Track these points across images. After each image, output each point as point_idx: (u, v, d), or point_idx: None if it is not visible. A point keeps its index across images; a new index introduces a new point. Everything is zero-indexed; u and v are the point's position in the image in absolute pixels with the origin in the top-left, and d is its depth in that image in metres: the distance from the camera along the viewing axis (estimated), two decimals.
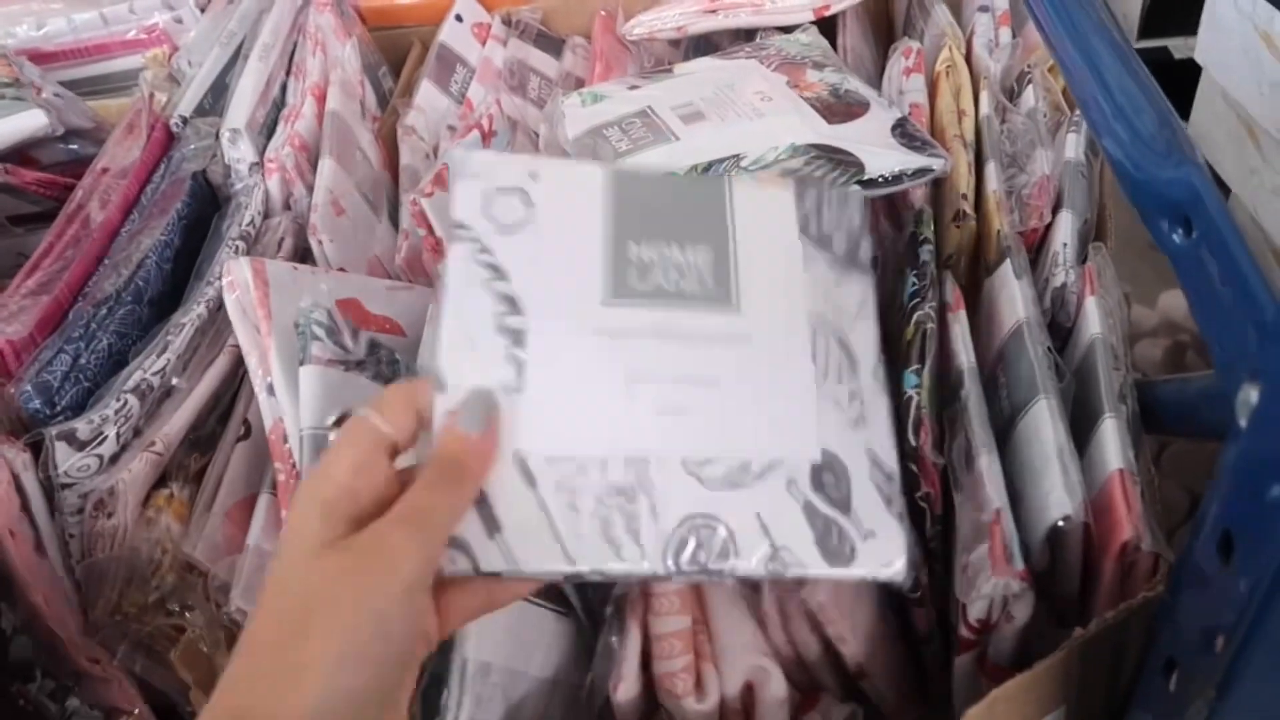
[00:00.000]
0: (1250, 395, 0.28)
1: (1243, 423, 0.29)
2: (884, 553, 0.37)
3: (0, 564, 0.42)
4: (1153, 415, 0.47)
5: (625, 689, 0.39)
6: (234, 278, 0.46)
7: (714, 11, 0.69)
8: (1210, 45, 0.67)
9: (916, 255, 0.50)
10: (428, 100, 0.74)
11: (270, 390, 0.45)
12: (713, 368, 0.39)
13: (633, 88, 0.62)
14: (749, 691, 0.42)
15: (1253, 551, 0.27)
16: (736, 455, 0.38)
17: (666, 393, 0.38)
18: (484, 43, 0.82)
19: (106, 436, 0.44)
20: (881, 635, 0.45)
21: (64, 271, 0.49)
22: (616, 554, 0.36)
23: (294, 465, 0.44)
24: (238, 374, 0.51)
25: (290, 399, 0.45)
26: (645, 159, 0.54)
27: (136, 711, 0.43)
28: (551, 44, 0.85)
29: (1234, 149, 0.67)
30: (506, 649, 0.40)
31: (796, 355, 0.40)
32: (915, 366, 0.44)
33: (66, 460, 0.43)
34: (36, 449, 0.44)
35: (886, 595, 0.46)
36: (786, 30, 0.70)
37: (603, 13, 0.80)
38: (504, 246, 0.39)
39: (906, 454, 0.42)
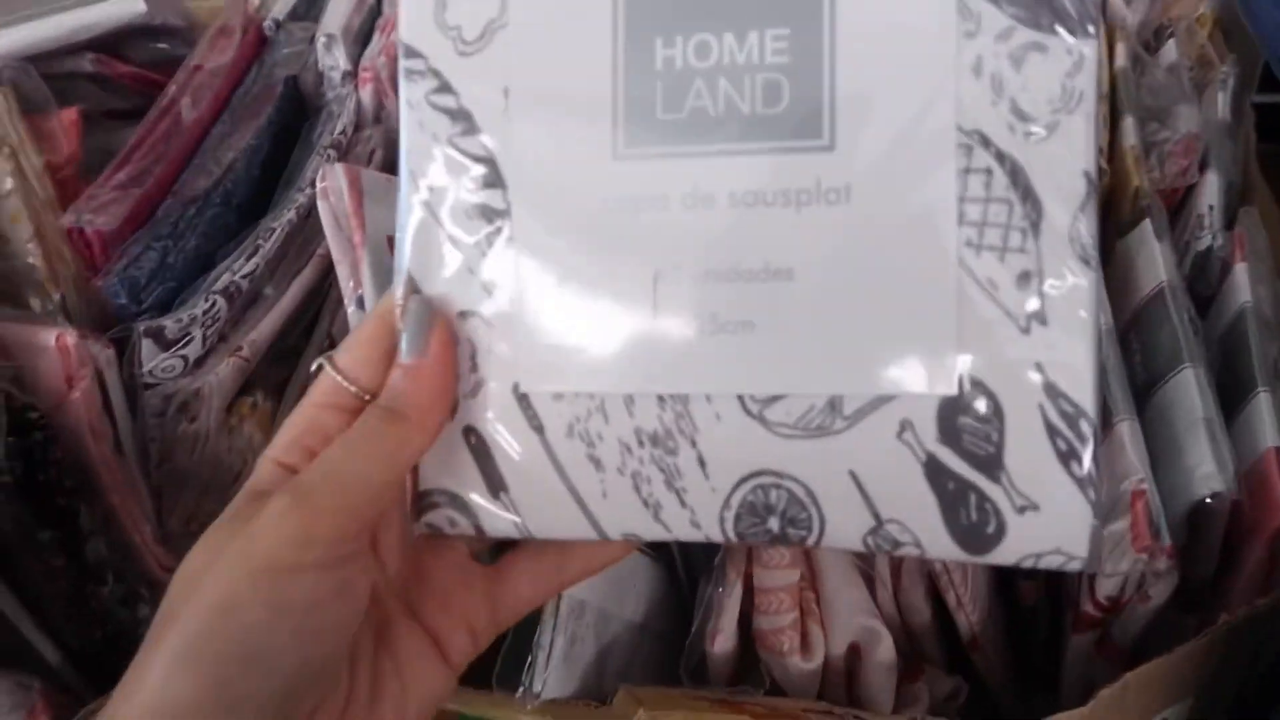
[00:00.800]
0: None
1: None
2: (1050, 535, 0.26)
3: (80, 462, 0.40)
4: None
5: (723, 641, 0.37)
6: (329, 184, 0.44)
7: None
8: None
9: None
10: None
11: (360, 303, 0.43)
12: (787, 249, 0.26)
13: None
14: (854, 654, 0.39)
15: None
16: (820, 387, 0.26)
17: (715, 294, 0.26)
18: None
19: (193, 338, 0.42)
20: (995, 603, 0.43)
21: (155, 166, 0.47)
22: (655, 517, 0.28)
23: None
24: (324, 285, 0.49)
25: None
26: None
27: None
28: None
29: None
30: (601, 589, 0.38)
31: (929, 210, 0.25)
32: None
33: (152, 359, 0.41)
34: (120, 347, 0.43)
35: None
36: None
37: None
38: (468, 75, 0.28)
39: None
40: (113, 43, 0.57)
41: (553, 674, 0.35)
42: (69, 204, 0.46)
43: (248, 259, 0.45)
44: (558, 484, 0.28)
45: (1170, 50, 0.59)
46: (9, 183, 0.43)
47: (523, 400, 0.28)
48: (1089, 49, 0.25)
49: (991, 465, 0.26)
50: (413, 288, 0.29)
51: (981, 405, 0.26)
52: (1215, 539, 0.39)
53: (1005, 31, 0.25)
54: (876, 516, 0.27)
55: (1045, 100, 0.25)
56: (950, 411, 0.26)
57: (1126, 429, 0.39)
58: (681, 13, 0.26)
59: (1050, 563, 0.26)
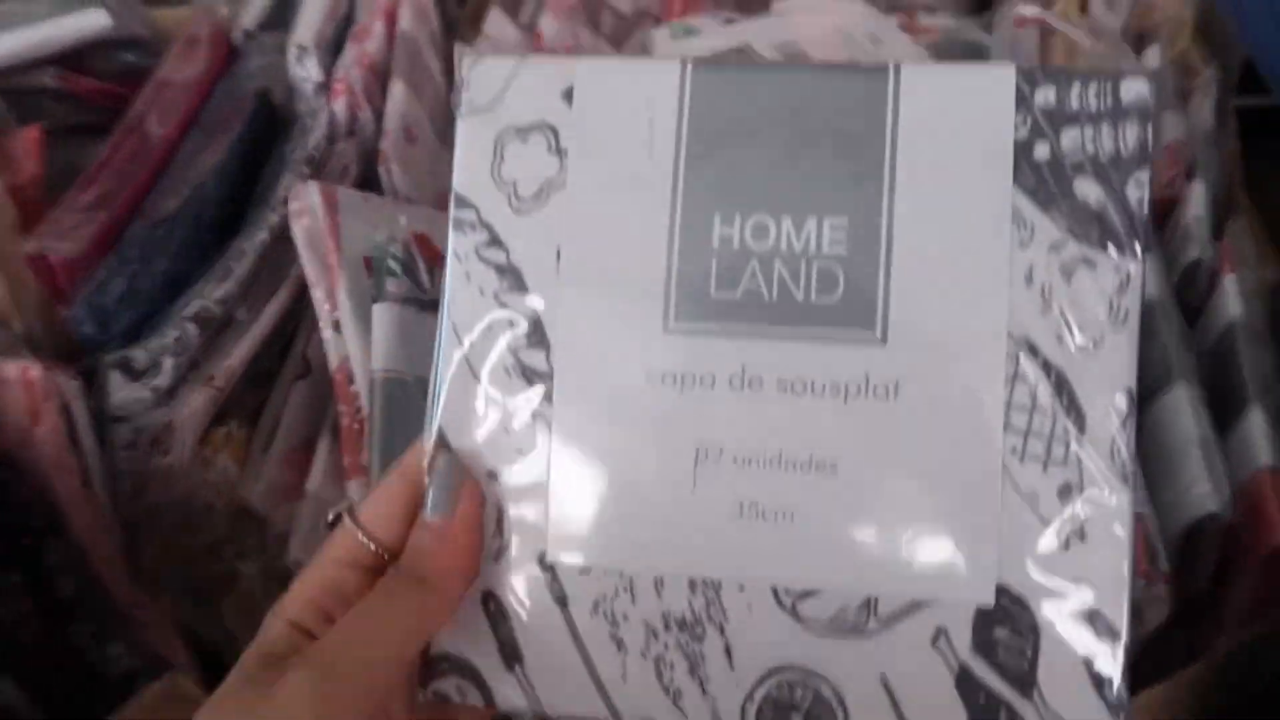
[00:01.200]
0: None
1: None
2: None
3: (47, 498, 0.39)
4: None
5: None
6: (302, 203, 0.43)
7: None
8: None
9: None
10: (497, 29, 0.69)
11: (337, 327, 0.41)
12: (832, 441, 0.26)
13: (729, 22, 0.57)
14: None
15: None
16: (857, 586, 0.26)
17: (757, 480, 0.26)
18: None
19: (164, 367, 0.41)
20: None
21: (121, 187, 0.46)
22: (674, 703, 0.27)
23: (358, 409, 0.41)
24: (299, 307, 0.48)
25: (359, 337, 0.41)
26: None
27: (180, 662, 0.41)
28: None
29: None
30: None
31: (977, 414, 0.26)
32: None
33: (120, 391, 0.40)
34: (88, 378, 0.41)
35: None
36: None
37: None
38: (521, 232, 0.28)
39: None
40: (75, 55, 0.55)
41: None
42: (33, 226, 0.44)
43: (219, 283, 0.43)
44: (576, 661, 0.28)
45: (1152, 56, 0.59)
46: None
47: (548, 571, 0.28)
48: (1135, 268, 0.26)
49: (1024, 681, 0.26)
50: (443, 442, 0.28)
51: (1018, 618, 0.26)
52: (1210, 557, 0.39)
53: (1057, 244, 0.26)
54: None
55: (1092, 315, 0.26)
56: (986, 622, 0.26)
57: None
58: (740, 192, 0.27)
59: None
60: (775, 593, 0.27)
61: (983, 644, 0.26)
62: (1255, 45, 0.43)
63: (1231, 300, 0.45)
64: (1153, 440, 0.41)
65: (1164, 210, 0.51)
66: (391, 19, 0.60)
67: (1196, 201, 0.49)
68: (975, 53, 0.53)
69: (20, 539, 0.38)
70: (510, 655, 0.28)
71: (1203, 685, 0.36)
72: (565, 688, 0.28)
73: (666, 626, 0.27)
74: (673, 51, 0.55)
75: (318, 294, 0.43)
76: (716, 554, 0.27)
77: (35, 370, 0.38)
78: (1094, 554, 0.26)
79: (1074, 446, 0.26)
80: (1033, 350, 0.26)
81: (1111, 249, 0.26)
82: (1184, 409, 0.40)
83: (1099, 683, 0.26)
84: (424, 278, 0.44)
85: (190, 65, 0.53)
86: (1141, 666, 0.36)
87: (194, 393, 0.41)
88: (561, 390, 0.27)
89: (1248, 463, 0.39)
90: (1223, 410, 0.42)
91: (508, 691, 0.28)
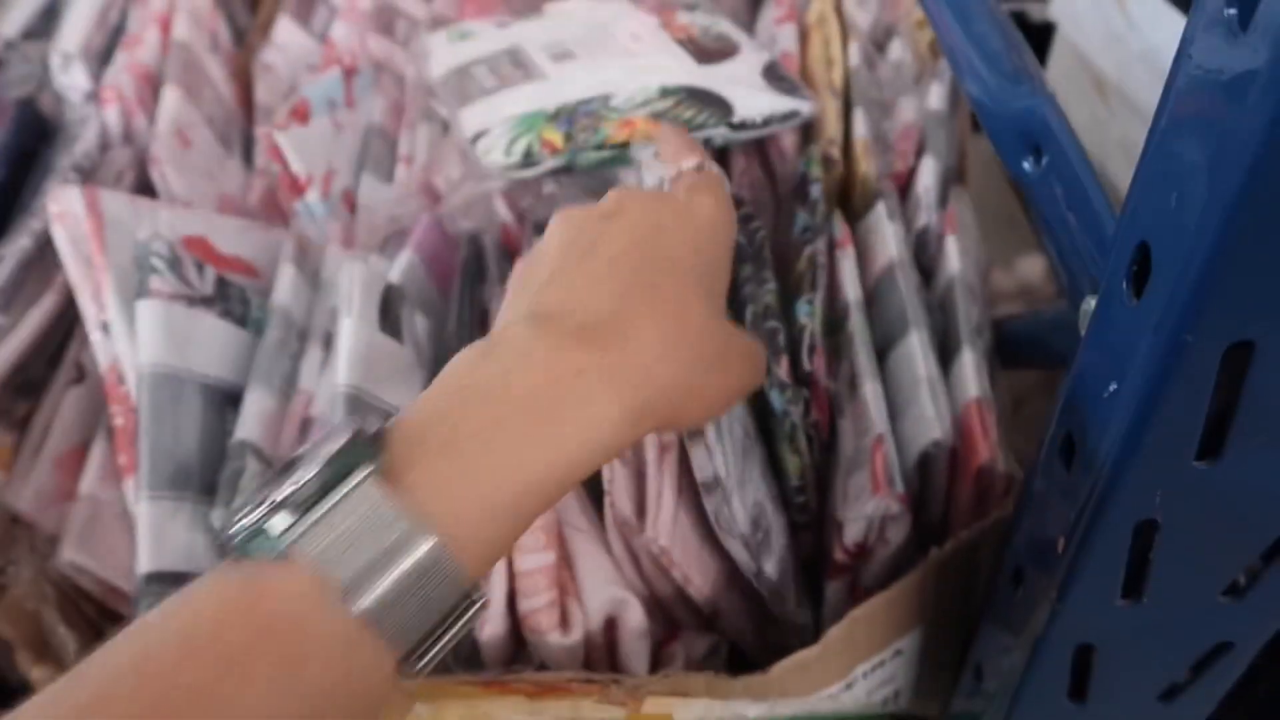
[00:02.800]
0: (1090, 305, 0.29)
1: (1083, 332, 0.30)
2: None
3: None
4: (1008, 349, 0.49)
5: (491, 629, 0.38)
6: (63, 208, 0.42)
7: None
8: (1064, 2, 0.70)
9: (806, 194, 0.50)
10: (287, 37, 0.70)
11: (105, 329, 0.41)
12: None
13: (501, 25, 0.60)
14: (610, 626, 0.41)
15: (1091, 450, 0.28)
16: None
17: None
18: None
19: None
20: (730, 574, 0.46)
21: None
22: None
23: (132, 408, 0.41)
24: (69, 314, 0.47)
25: (128, 338, 0.41)
26: (513, 97, 0.52)
27: None
28: None
29: (1084, 103, 0.70)
30: None
31: None
32: (808, 296, 0.45)
33: None
34: None
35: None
36: None
37: None
38: None
39: (800, 379, 0.43)
40: None
41: None
42: None
43: None
44: None
45: (896, 48, 0.65)
46: None
47: None
48: None
49: None
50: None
51: None
52: (940, 484, 0.44)
53: None
54: None
55: None
56: None
57: (869, 390, 0.43)
58: None
59: None
60: None
61: None
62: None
63: (953, 258, 0.50)
64: (893, 380, 0.46)
65: (902, 183, 0.57)
66: (166, 27, 0.60)
67: (927, 174, 0.55)
68: (729, 46, 0.57)
69: None
70: None
71: (919, 590, 0.40)
72: None
73: None
74: (449, 55, 0.57)
75: (83, 297, 0.43)
76: None
77: None
78: None
79: None
80: None
81: None
82: (915, 353, 0.45)
83: None
84: (193, 275, 0.44)
85: None
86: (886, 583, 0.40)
87: None
88: None
89: (961, 396, 0.44)
90: (945, 353, 0.47)
91: None
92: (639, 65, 0.54)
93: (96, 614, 0.42)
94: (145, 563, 0.37)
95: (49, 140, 0.55)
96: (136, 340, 0.40)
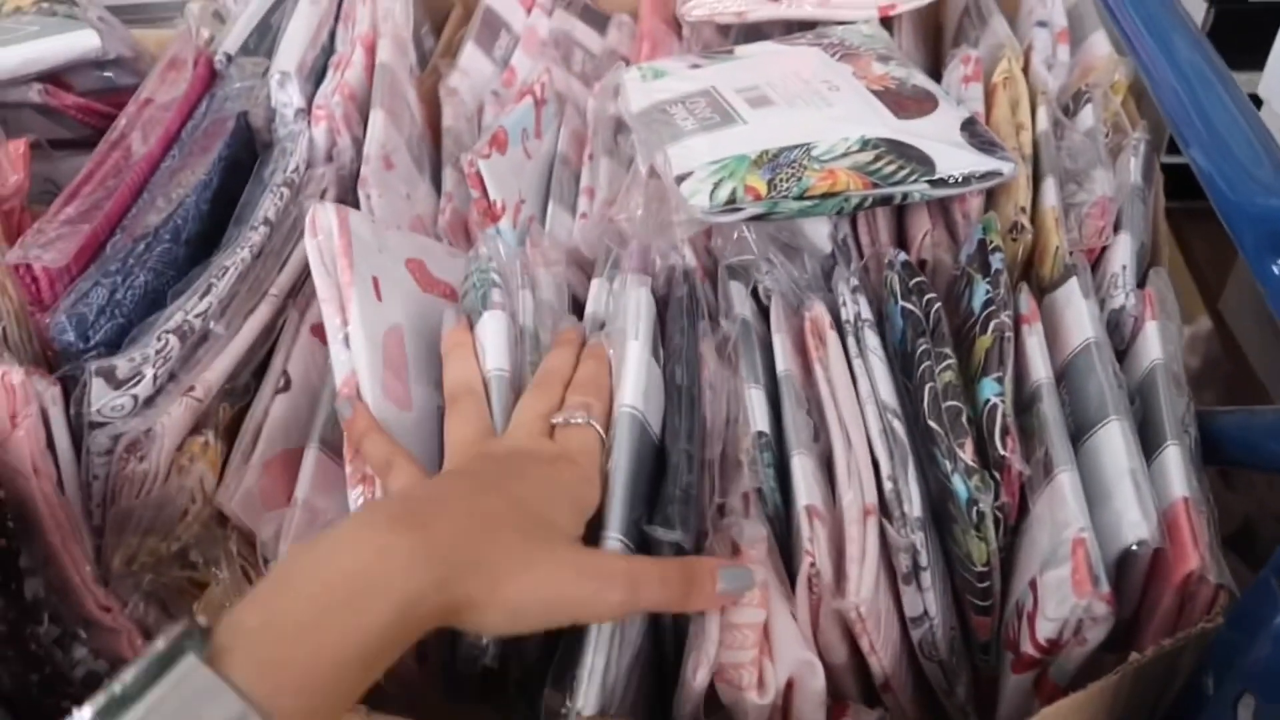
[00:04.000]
0: None
1: None
2: None
3: (21, 500, 0.40)
4: (1214, 446, 0.46)
5: (703, 675, 0.38)
6: (318, 223, 0.44)
7: (777, 0, 0.68)
8: (1275, 79, 0.67)
9: (988, 263, 0.49)
10: (472, 63, 0.72)
11: (346, 342, 0.43)
12: None
13: (694, 66, 0.60)
14: (789, 688, 0.41)
15: None
16: None
17: None
18: (529, 10, 0.80)
19: (144, 377, 0.42)
20: (905, 649, 0.45)
21: (104, 202, 0.47)
22: None
23: None
24: (276, 324, 0.49)
25: (368, 353, 0.43)
26: (713, 140, 0.52)
27: None
28: (597, 19, 0.83)
29: None
30: None
31: None
32: (996, 374, 0.43)
33: (102, 398, 0.41)
34: (65, 385, 0.42)
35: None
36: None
37: None
38: None
39: (991, 462, 0.41)
40: (57, 71, 0.56)
41: (591, 693, 0.36)
42: (14, 236, 0.45)
43: (201, 298, 0.45)
44: None
45: (1087, 115, 0.63)
46: None
47: None
48: None
49: None
50: None
51: None
52: (1137, 584, 0.42)
53: None
54: None
55: None
56: None
57: (1067, 479, 0.41)
58: None
59: None
60: None
61: None
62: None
63: (1154, 344, 0.48)
64: (1091, 470, 0.44)
65: (1094, 259, 0.55)
66: (371, 50, 0.63)
67: (1123, 252, 0.53)
68: (926, 99, 0.56)
69: None
70: None
71: (1113, 693, 0.38)
72: None
73: None
74: (643, 93, 0.58)
75: (329, 309, 0.43)
76: None
77: (16, 375, 0.39)
78: None
79: None
80: None
81: None
82: (1117, 443, 0.43)
83: None
84: None
85: (173, 86, 0.55)
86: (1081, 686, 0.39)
87: (173, 402, 0.42)
88: None
89: (1166, 495, 0.42)
90: (1146, 448, 0.45)
91: None
92: (837, 115, 0.54)
93: None
94: None
95: (256, 152, 0.57)
96: (482, 346, 0.44)
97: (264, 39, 0.62)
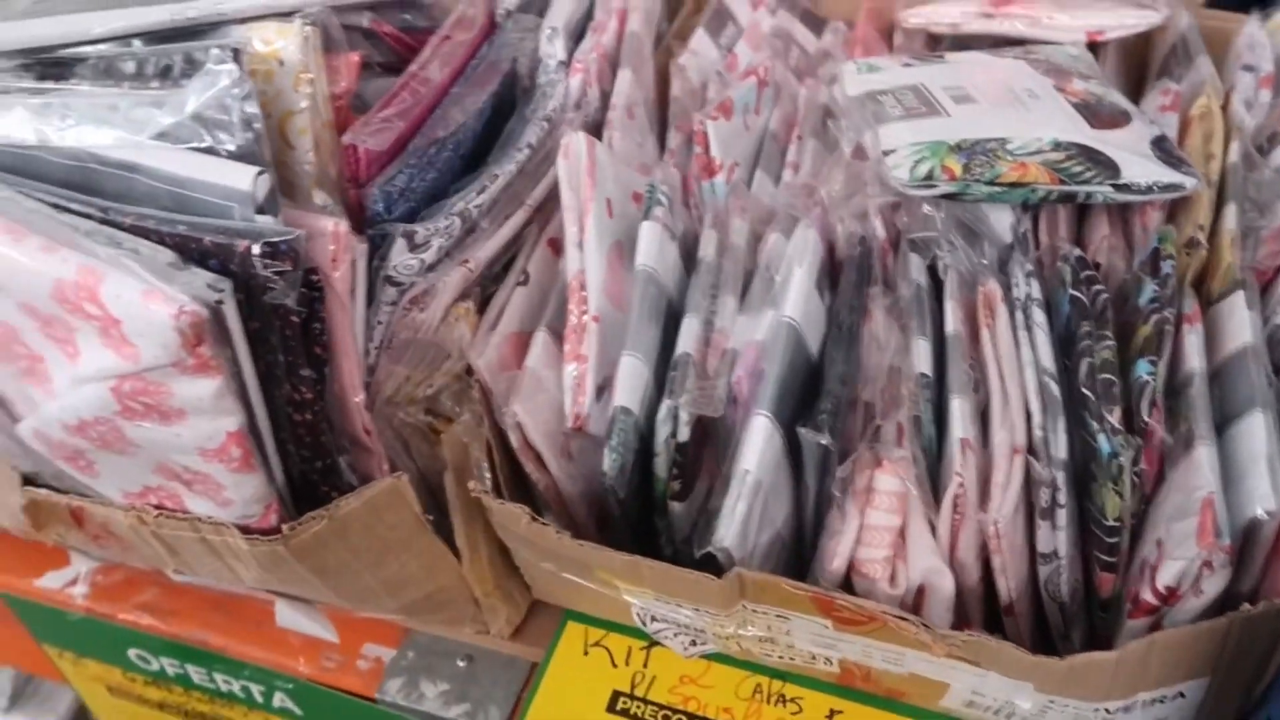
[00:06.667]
0: None
1: None
2: None
3: (332, 327, 0.50)
4: None
5: (838, 564, 0.45)
6: (571, 148, 0.54)
7: (990, 16, 0.73)
8: None
9: (1158, 267, 0.53)
10: (700, 46, 0.81)
11: (580, 246, 0.52)
12: None
13: (906, 65, 0.67)
14: (920, 594, 0.47)
15: None
16: None
17: None
18: (755, 7, 0.89)
19: (431, 246, 0.52)
20: (1031, 587, 0.49)
21: (410, 110, 0.58)
22: None
23: (584, 310, 0.52)
24: (524, 231, 0.59)
25: (597, 256, 0.52)
26: (918, 126, 0.59)
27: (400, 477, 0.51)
28: (815, 22, 0.91)
29: None
30: (769, 481, 0.46)
31: None
32: (1151, 357, 0.48)
33: (399, 256, 0.51)
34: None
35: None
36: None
37: (869, 6, 0.85)
38: None
39: (1136, 429, 0.46)
40: (369, 7, 0.68)
41: (733, 532, 0.43)
42: (339, 129, 0.57)
43: (479, 194, 0.55)
44: None
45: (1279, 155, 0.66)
46: (304, 103, 0.54)
47: None
48: None
49: None
50: None
51: None
52: (1260, 555, 0.45)
53: None
54: None
55: None
56: None
57: (1205, 453, 0.46)
58: None
59: None
60: None
61: None
62: None
63: None
64: (1229, 452, 0.48)
65: (1266, 280, 0.58)
66: (623, 20, 0.72)
67: None
68: (1121, 115, 0.61)
69: (314, 347, 0.49)
70: None
71: (1222, 636, 0.42)
72: None
73: None
74: (858, 83, 0.65)
75: (569, 217, 0.54)
76: None
77: (343, 226, 0.49)
78: None
79: None
80: None
81: None
82: (1258, 430, 0.47)
83: None
84: (672, 216, 0.56)
85: (466, 31, 0.66)
86: None
87: (452, 270, 0.52)
88: None
89: None
90: None
91: None
92: (1034, 118, 0.60)
93: (505, 461, 0.52)
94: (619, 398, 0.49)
95: (521, 94, 0.68)
96: (637, 249, 0.52)
97: (536, 1, 0.73)
